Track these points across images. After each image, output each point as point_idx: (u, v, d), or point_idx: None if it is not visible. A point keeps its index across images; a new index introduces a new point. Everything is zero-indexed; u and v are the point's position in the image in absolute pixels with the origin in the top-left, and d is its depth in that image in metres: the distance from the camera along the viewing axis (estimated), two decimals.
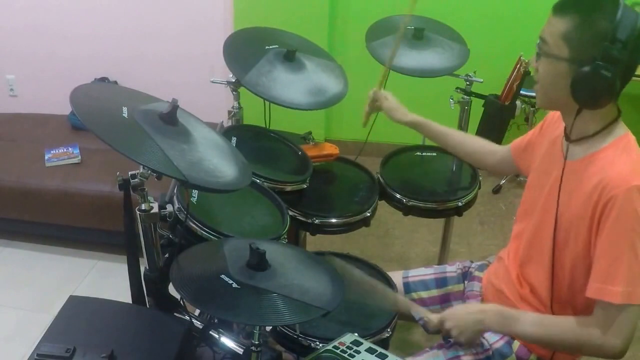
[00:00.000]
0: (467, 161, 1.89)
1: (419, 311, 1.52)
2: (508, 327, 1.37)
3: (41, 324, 1.41)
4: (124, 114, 1.20)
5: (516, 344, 1.48)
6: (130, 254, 1.44)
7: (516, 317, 1.37)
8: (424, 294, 1.74)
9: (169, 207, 1.42)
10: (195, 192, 1.57)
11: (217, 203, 1.62)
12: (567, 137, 1.35)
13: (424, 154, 2.27)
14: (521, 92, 2.13)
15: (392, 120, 1.89)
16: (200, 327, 1.41)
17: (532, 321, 1.35)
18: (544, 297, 1.41)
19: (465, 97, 2.18)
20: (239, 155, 1.41)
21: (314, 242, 2.33)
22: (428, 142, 2.26)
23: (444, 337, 1.66)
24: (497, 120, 2.45)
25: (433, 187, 2.15)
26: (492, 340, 1.50)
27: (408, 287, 1.75)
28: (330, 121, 3.87)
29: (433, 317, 1.47)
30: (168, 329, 1.35)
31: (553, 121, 1.49)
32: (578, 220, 1.28)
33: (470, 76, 2.14)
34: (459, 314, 1.43)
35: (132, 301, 1.47)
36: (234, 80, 1.93)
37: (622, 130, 1.30)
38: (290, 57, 1.85)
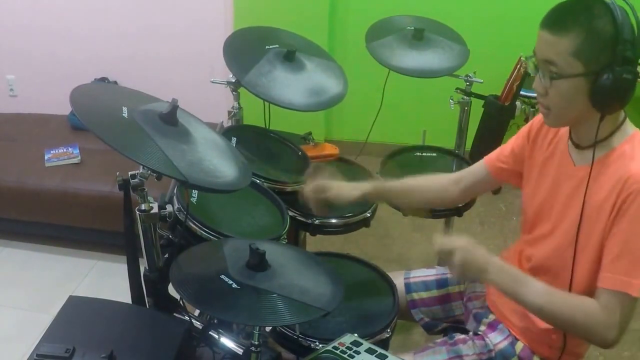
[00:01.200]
0: (434, 205, 1.77)
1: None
2: (513, 288, 1.31)
3: (41, 324, 1.41)
4: (123, 114, 1.20)
5: (519, 346, 1.48)
6: (130, 254, 1.44)
7: (525, 281, 1.32)
8: (424, 294, 1.74)
9: (169, 208, 1.42)
10: (195, 193, 1.57)
11: (217, 203, 1.62)
12: (577, 145, 1.34)
13: (423, 154, 2.27)
14: (521, 92, 2.13)
15: (341, 200, 1.64)
16: (200, 327, 1.41)
17: (541, 289, 1.31)
18: None
19: (465, 97, 2.19)
20: (238, 156, 1.41)
21: (314, 243, 2.33)
22: (428, 143, 2.27)
23: (445, 332, 1.66)
24: (496, 120, 2.45)
25: None
26: (496, 341, 1.50)
27: (409, 288, 1.75)
28: (330, 121, 3.87)
29: (443, 242, 1.39)
30: (168, 330, 1.34)
31: (540, 128, 1.47)
32: (597, 217, 1.28)
33: (470, 77, 2.14)
34: (471, 253, 1.34)
35: (132, 301, 1.47)
36: (234, 81, 1.93)
37: (631, 129, 1.30)
38: (290, 57, 1.85)
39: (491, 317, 1.56)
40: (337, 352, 1.29)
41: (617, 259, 1.24)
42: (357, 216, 1.91)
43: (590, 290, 1.33)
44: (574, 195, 1.34)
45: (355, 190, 1.65)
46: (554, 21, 1.22)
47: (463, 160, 2.26)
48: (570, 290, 1.36)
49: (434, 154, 2.28)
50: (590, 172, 1.29)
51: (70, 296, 1.42)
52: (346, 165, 2.18)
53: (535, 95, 1.32)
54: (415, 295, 1.74)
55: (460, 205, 2.03)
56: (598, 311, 1.25)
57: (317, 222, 1.85)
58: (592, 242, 1.31)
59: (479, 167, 1.64)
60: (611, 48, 1.17)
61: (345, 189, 1.65)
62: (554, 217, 1.41)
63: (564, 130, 1.39)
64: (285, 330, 1.47)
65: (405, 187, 1.69)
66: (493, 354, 1.49)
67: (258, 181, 1.72)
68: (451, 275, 1.73)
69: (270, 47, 1.87)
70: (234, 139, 1.80)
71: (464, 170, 1.70)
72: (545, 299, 1.30)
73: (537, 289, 1.31)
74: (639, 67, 1.23)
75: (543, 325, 1.42)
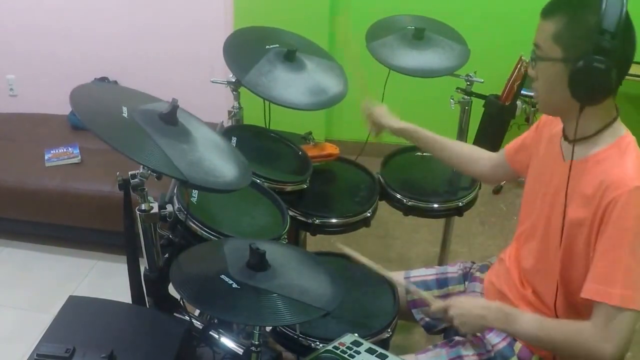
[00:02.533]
0: (460, 169, 1.85)
1: (422, 295, 1.53)
2: (508, 325, 1.37)
3: (41, 324, 1.41)
4: (124, 114, 1.20)
5: (518, 346, 1.48)
6: (130, 254, 1.44)
7: (516, 316, 1.37)
8: (424, 294, 1.74)
9: (169, 207, 1.42)
10: (195, 192, 1.57)
11: (217, 203, 1.62)
12: (567, 137, 1.35)
13: (424, 154, 2.26)
14: (522, 92, 2.12)
15: (381, 127, 1.86)
16: (200, 327, 1.41)
17: (532, 321, 1.35)
18: (548, 300, 1.41)
19: (466, 97, 2.18)
20: (239, 155, 1.41)
21: (314, 242, 2.32)
22: None
23: (445, 332, 1.67)
24: (497, 120, 2.44)
25: (433, 187, 2.15)
26: (495, 341, 1.50)
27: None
28: (331, 121, 3.87)
29: (438, 303, 1.48)
30: (168, 329, 1.34)
31: (549, 120, 1.49)
32: (579, 221, 1.28)
33: (470, 76, 2.14)
34: (464, 305, 1.43)
35: (132, 301, 1.47)
36: (234, 80, 1.93)
37: (622, 131, 1.29)
38: (290, 57, 1.85)
39: None
40: (338, 351, 1.29)
41: (596, 269, 1.24)
42: (357, 216, 1.91)
43: (574, 300, 1.35)
44: (557, 191, 1.34)
45: (396, 122, 1.82)
46: (547, 6, 1.26)
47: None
48: (557, 291, 1.37)
49: None
50: (570, 169, 1.29)
51: (70, 296, 1.42)
52: (346, 164, 2.18)
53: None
54: (416, 296, 1.74)
55: (462, 204, 2.04)
56: (588, 327, 1.25)
57: (317, 221, 1.85)
58: (572, 249, 1.31)
59: (501, 154, 1.69)
60: (590, 36, 1.17)
61: (388, 117, 1.84)
62: (539, 211, 1.42)
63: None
64: (286, 330, 1.47)
65: (441, 143, 1.78)
66: (492, 354, 1.49)
67: (258, 181, 1.72)
68: (459, 274, 1.76)
69: (271, 46, 1.87)
70: (234, 139, 1.80)
71: (494, 152, 1.75)
72: (538, 328, 1.33)
73: (528, 321, 1.35)
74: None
75: None
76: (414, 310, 1.74)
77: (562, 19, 1.21)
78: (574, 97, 1.23)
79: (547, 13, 1.25)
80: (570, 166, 1.29)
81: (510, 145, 1.66)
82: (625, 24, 1.17)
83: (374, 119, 1.86)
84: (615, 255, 1.21)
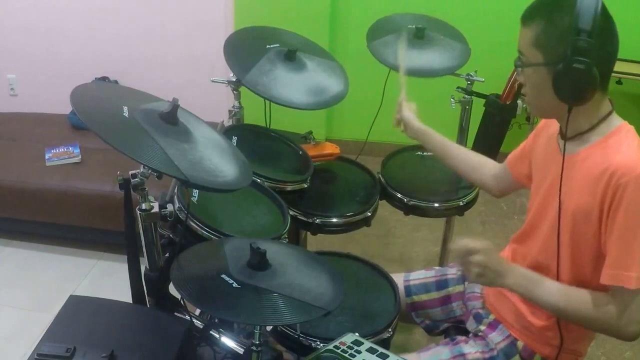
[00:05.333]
0: (465, 178, 1.84)
1: None
2: (529, 290, 1.34)
3: (41, 324, 1.41)
4: (124, 114, 1.19)
5: (520, 344, 1.48)
6: (131, 253, 1.44)
7: (539, 281, 1.34)
8: (424, 297, 1.74)
9: (170, 207, 1.42)
10: (195, 192, 1.57)
11: (217, 203, 1.62)
12: (563, 135, 1.35)
13: (424, 153, 2.26)
14: (522, 91, 2.13)
15: (406, 128, 1.86)
16: (201, 326, 1.41)
17: (555, 289, 1.33)
18: None
19: (467, 96, 2.18)
20: (239, 155, 1.41)
21: (315, 242, 2.33)
22: None
23: (446, 333, 1.67)
24: (498, 119, 2.45)
25: (434, 186, 2.14)
26: (497, 340, 1.51)
27: (409, 290, 1.75)
28: (331, 121, 3.87)
29: (468, 241, 1.39)
30: (168, 329, 1.34)
31: (546, 124, 1.49)
32: (584, 210, 1.27)
33: (471, 75, 2.14)
34: (490, 258, 1.36)
35: (133, 301, 1.47)
36: (234, 80, 1.93)
37: (618, 122, 1.30)
38: (291, 57, 1.85)
39: (491, 317, 1.57)
40: (338, 351, 1.28)
41: (613, 254, 1.24)
42: (358, 215, 1.91)
43: (579, 284, 1.34)
44: (554, 186, 1.34)
45: (416, 123, 1.83)
46: (525, 13, 1.27)
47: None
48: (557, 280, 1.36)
49: None
50: (562, 164, 1.29)
51: (70, 295, 1.42)
52: (347, 164, 2.18)
53: None
54: (416, 298, 1.74)
55: (462, 204, 2.04)
56: (612, 307, 1.25)
57: (317, 221, 1.85)
58: (574, 241, 1.31)
59: (503, 164, 1.68)
60: (567, 38, 1.18)
61: (415, 121, 1.84)
62: (541, 207, 1.42)
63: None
64: (286, 329, 1.47)
65: (450, 150, 1.79)
66: (495, 352, 1.49)
67: (259, 180, 1.72)
68: (458, 276, 1.74)
69: (271, 46, 1.87)
70: (234, 138, 1.80)
71: (500, 162, 1.74)
72: (562, 298, 1.31)
73: (551, 290, 1.33)
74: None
75: (539, 324, 1.44)
76: (413, 313, 1.74)
77: (539, 25, 1.23)
78: (560, 99, 1.24)
79: (525, 19, 1.26)
80: (563, 162, 1.29)
81: (511, 154, 1.66)
82: (603, 20, 1.18)
83: (402, 116, 1.86)
84: (629, 240, 1.22)
